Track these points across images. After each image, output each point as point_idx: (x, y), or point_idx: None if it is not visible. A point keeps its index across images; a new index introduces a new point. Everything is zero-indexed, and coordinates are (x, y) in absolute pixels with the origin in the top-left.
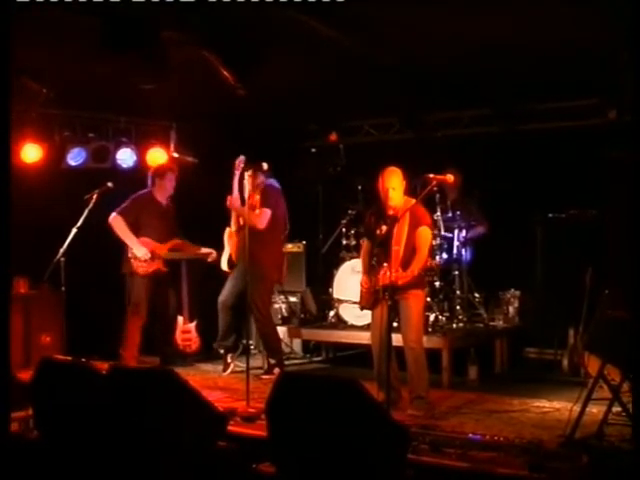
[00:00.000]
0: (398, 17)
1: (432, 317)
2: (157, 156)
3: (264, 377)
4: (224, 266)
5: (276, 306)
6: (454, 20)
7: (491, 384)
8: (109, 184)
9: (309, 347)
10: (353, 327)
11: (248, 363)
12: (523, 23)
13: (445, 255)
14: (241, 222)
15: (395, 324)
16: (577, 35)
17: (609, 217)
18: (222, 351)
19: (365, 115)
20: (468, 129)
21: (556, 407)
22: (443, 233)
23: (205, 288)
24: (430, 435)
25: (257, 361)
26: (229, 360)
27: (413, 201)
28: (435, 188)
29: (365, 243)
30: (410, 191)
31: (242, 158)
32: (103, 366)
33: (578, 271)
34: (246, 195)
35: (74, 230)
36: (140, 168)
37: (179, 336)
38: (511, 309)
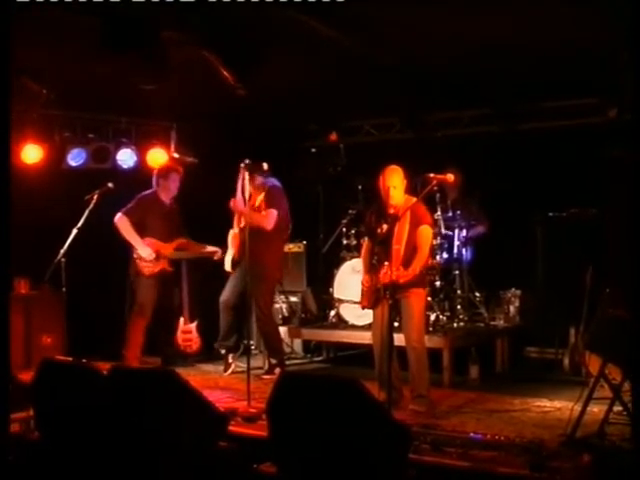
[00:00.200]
0: (398, 17)
1: (433, 316)
2: (157, 156)
3: (265, 377)
4: (228, 267)
5: (277, 306)
6: (454, 20)
7: (492, 383)
8: (109, 185)
9: (310, 347)
10: (354, 327)
11: (249, 363)
12: (523, 23)
13: (445, 254)
14: (242, 224)
15: (396, 323)
16: (577, 35)
17: (609, 216)
18: (223, 351)
19: (365, 115)
20: (468, 129)
21: (557, 406)
22: (443, 232)
23: (206, 288)
24: (431, 434)
25: (258, 361)
26: (230, 360)
27: (414, 200)
28: (435, 187)
29: (366, 242)
30: (411, 190)
31: (246, 161)
32: (104, 367)
33: (579, 270)
34: (247, 197)
35: (75, 231)
36: (140, 168)
37: (180, 336)
38: (512, 308)
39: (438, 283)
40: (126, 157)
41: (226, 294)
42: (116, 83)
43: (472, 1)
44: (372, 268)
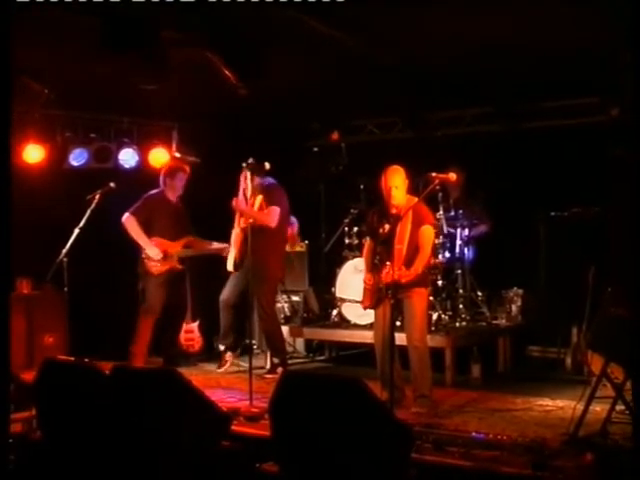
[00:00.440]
0: (399, 17)
1: (435, 316)
2: (159, 156)
3: (267, 376)
4: (230, 267)
5: (279, 305)
6: (455, 20)
7: (494, 383)
8: (111, 184)
9: (312, 346)
10: (356, 326)
11: (251, 363)
12: (524, 23)
13: (448, 254)
14: (242, 224)
15: (398, 323)
16: (578, 34)
17: (611, 215)
18: (222, 347)
19: (367, 114)
20: (470, 128)
21: (559, 405)
22: (446, 231)
23: (207, 288)
24: (433, 434)
25: (260, 360)
26: (227, 358)
27: (416, 200)
28: (438, 187)
29: (368, 242)
30: (413, 190)
31: (250, 160)
32: (106, 366)
33: (581, 269)
34: (248, 196)
35: (76, 230)
36: (142, 168)
37: (182, 336)
38: (514, 307)
39: (440, 282)
40: (128, 157)
41: (226, 293)
42: (117, 83)
43: (472, 1)
44: (374, 268)
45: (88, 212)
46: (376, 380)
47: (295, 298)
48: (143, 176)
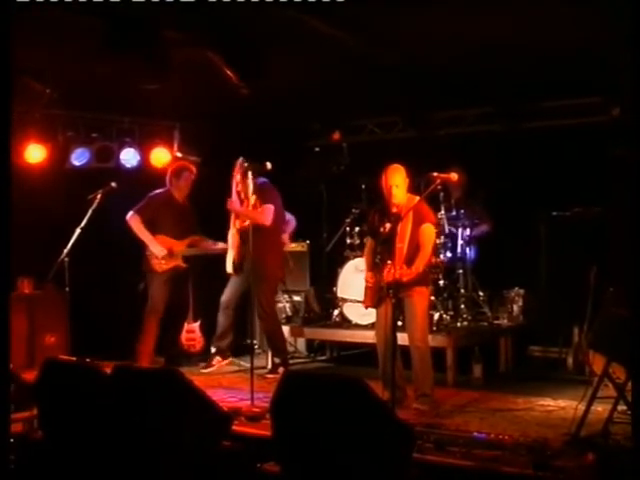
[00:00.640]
0: (399, 17)
1: (436, 316)
2: (161, 156)
3: (269, 376)
4: (229, 269)
5: (280, 305)
6: (456, 20)
7: (495, 383)
8: (113, 184)
9: (313, 346)
10: (357, 326)
11: (252, 362)
12: (525, 23)
13: (449, 254)
14: (238, 224)
15: (400, 322)
16: (579, 34)
17: (612, 215)
18: (213, 350)
19: (368, 114)
20: (472, 127)
21: (561, 405)
22: (447, 231)
23: (209, 288)
24: (435, 434)
25: (261, 360)
26: (214, 362)
27: (416, 199)
28: (439, 186)
29: (369, 241)
30: (414, 189)
31: (241, 160)
32: (107, 366)
33: (582, 269)
34: (242, 196)
35: (78, 230)
36: (144, 168)
37: (183, 336)
38: (515, 307)
39: (442, 282)
40: (129, 156)
41: (227, 295)
42: (119, 83)
43: (473, 1)
44: (375, 267)
45: (89, 212)
46: (377, 380)
47: (296, 298)
48: (144, 176)
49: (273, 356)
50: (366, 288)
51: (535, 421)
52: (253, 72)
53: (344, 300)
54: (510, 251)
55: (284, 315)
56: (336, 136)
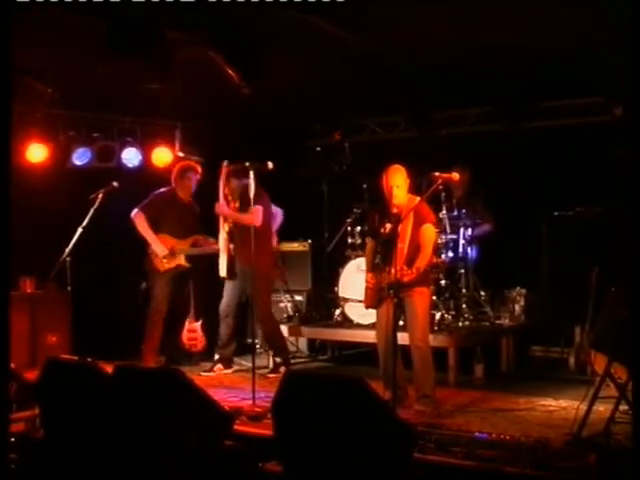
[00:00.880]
0: (400, 16)
1: (438, 315)
2: (162, 156)
3: (270, 376)
4: (222, 272)
5: (282, 305)
6: (458, 20)
7: (497, 382)
8: (114, 184)
9: (315, 346)
10: (359, 326)
11: (254, 362)
12: (527, 23)
13: (451, 253)
14: (226, 228)
15: (401, 322)
16: (581, 34)
17: (614, 215)
18: (217, 357)
19: (370, 114)
20: (473, 127)
21: (562, 405)
22: (449, 231)
23: (210, 287)
24: (436, 434)
25: (263, 360)
26: (216, 369)
27: (417, 199)
28: (441, 186)
29: (369, 242)
30: (416, 189)
31: (226, 163)
32: (109, 366)
33: (584, 269)
34: (229, 199)
35: (80, 230)
36: (145, 168)
37: (185, 335)
38: (517, 307)
39: (443, 282)
40: (131, 156)
41: (225, 303)
42: (120, 83)
43: (477, 1)
44: (375, 267)
45: (91, 211)
46: (379, 380)
47: (298, 298)
48: (146, 175)
49: (274, 356)
50: (366, 289)
51: (536, 421)
52: (254, 72)
53: (345, 300)
54: (512, 251)
55: (286, 315)
56: (337, 136)
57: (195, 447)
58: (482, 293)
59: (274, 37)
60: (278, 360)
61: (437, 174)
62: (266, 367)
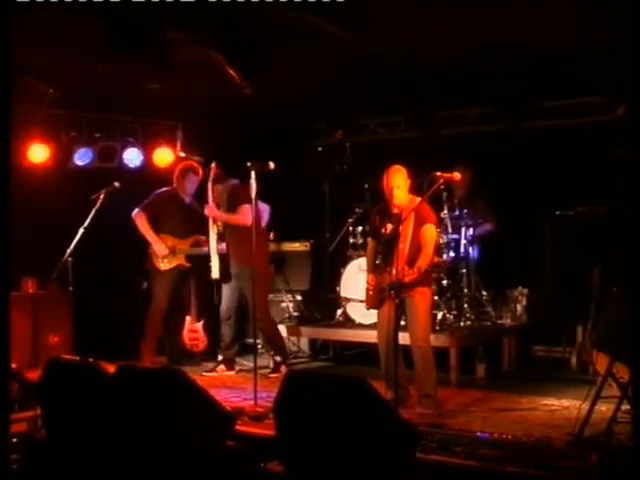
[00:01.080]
0: (400, 16)
1: (440, 315)
2: (164, 156)
3: (272, 376)
4: (216, 274)
5: (283, 305)
6: (458, 20)
7: (499, 382)
8: (116, 184)
9: (316, 346)
10: (360, 325)
11: (255, 362)
12: (529, 22)
13: (452, 253)
14: (215, 230)
15: (403, 322)
16: (583, 33)
17: (616, 215)
18: (220, 358)
19: (371, 114)
20: (474, 127)
21: (564, 405)
22: (450, 231)
23: (211, 287)
24: (438, 434)
25: (264, 360)
26: (218, 369)
27: (418, 199)
28: (442, 186)
29: (370, 242)
30: (417, 189)
31: (214, 165)
32: (111, 366)
33: (586, 268)
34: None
35: (81, 230)
36: (147, 168)
37: (186, 335)
38: (519, 307)
39: (445, 282)
40: (132, 156)
41: (225, 305)
42: (122, 83)
43: (477, 1)
44: (376, 268)
45: (93, 212)
46: (380, 380)
47: (300, 298)
48: (148, 175)
49: (273, 355)
50: (367, 290)
51: (539, 421)
52: (256, 72)
53: (347, 300)
54: (513, 250)
55: (287, 315)
56: (339, 136)
57: (197, 447)
58: (484, 293)
59: (275, 37)
60: (278, 359)
61: (439, 174)
62: (268, 367)
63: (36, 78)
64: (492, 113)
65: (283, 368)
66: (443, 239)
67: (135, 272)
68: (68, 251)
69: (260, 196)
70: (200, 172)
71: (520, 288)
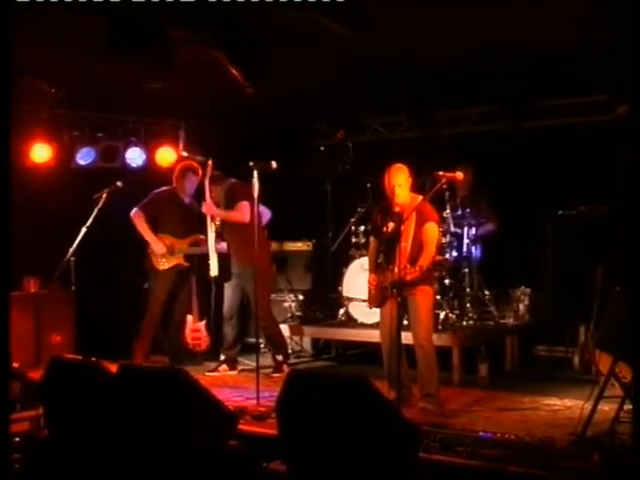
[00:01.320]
0: (400, 16)
1: (442, 315)
2: (166, 155)
3: (274, 375)
4: (215, 272)
5: (285, 304)
6: (458, 20)
7: (501, 382)
8: (118, 183)
9: (319, 345)
10: (363, 325)
11: (258, 362)
12: (527, 22)
13: (455, 253)
14: (213, 228)
15: (405, 322)
16: (585, 32)
17: (618, 214)
18: (223, 357)
19: (373, 113)
20: (476, 126)
21: (567, 405)
22: (453, 230)
23: (214, 287)
24: (441, 433)
25: (267, 359)
26: (220, 369)
27: (419, 198)
28: (445, 186)
29: (372, 241)
30: (419, 189)
31: (210, 162)
32: (113, 365)
33: (589, 268)
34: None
35: (84, 229)
36: (149, 167)
37: (189, 335)
38: (521, 307)
39: (447, 281)
40: (135, 156)
41: (227, 305)
42: (124, 83)
43: (477, 1)
44: (378, 267)
45: (95, 211)
46: (383, 379)
47: (302, 297)
48: (150, 175)
49: (275, 354)
50: (369, 289)
51: (541, 420)
52: (258, 71)
53: (349, 299)
54: (516, 250)
55: (290, 314)
56: (341, 135)
57: (199, 447)
58: (486, 292)
59: (277, 36)
60: (279, 358)
61: (441, 173)
62: (270, 367)
63: (39, 78)
64: (494, 113)
65: (285, 367)
66: (445, 238)
67: (138, 272)
68: (70, 251)
69: (263, 196)
70: (200, 172)
71: (522, 288)
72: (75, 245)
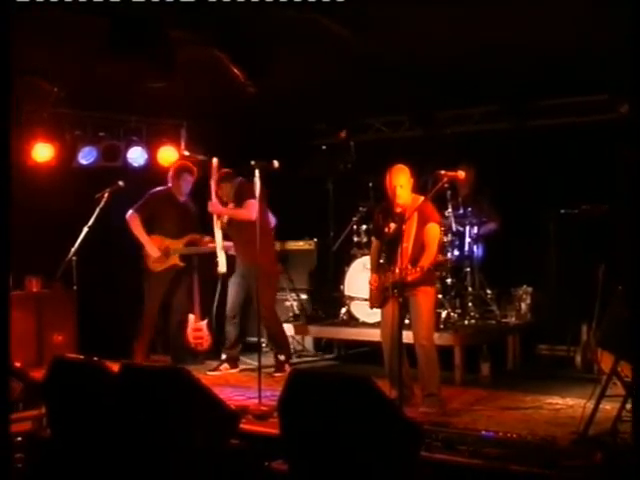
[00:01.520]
0: (400, 16)
1: (444, 314)
2: (168, 154)
3: (276, 375)
4: (223, 268)
5: (287, 304)
6: (458, 20)
7: (503, 381)
8: (120, 183)
9: (321, 344)
10: (364, 324)
11: (260, 361)
12: (528, 22)
13: (457, 252)
14: (219, 226)
15: (407, 321)
16: (586, 32)
17: (620, 213)
18: (224, 356)
19: (375, 113)
20: (479, 126)
21: (569, 404)
22: (454, 229)
23: (215, 286)
24: (443, 432)
25: (269, 359)
26: (222, 368)
27: (421, 198)
28: (446, 185)
29: (374, 242)
30: (421, 188)
31: (216, 161)
32: (115, 364)
33: (590, 267)
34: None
35: (85, 229)
36: (151, 167)
37: (191, 334)
38: (523, 305)
39: (449, 280)
40: (136, 155)
41: (230, 304)
42: (126, 82)
43: (477, 1)
44: (380, 267)
45: (97, 211)
46: (385, 378)
47: (304, 296)
48: (152, 174)
49: (277, 354)
50: (370, 290)
51: (543, 419)
52: (259, 71)
53: (351, 298)
54: (518, 249)
55: (291, 313)
56: (343, 135)
57: (201, 446)
58: (488, 291)
59: (277, 37)
60: (281, 358)
61: (443, 172)
62: (272, 366)
63: (41, 77)
64: (496, 112)
65: (287, 367)
66: (447, 238)
67: (139, 271)
68: (72, 250)
69: (265, 195)
70: (195, 172)
71: (524, 287)
72: (77, 245)
